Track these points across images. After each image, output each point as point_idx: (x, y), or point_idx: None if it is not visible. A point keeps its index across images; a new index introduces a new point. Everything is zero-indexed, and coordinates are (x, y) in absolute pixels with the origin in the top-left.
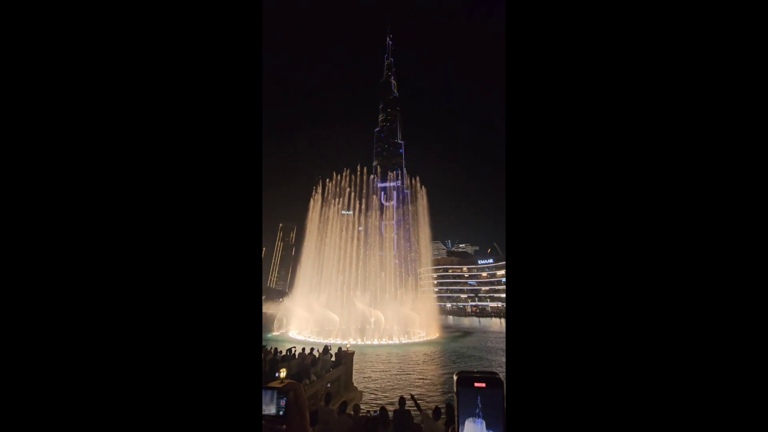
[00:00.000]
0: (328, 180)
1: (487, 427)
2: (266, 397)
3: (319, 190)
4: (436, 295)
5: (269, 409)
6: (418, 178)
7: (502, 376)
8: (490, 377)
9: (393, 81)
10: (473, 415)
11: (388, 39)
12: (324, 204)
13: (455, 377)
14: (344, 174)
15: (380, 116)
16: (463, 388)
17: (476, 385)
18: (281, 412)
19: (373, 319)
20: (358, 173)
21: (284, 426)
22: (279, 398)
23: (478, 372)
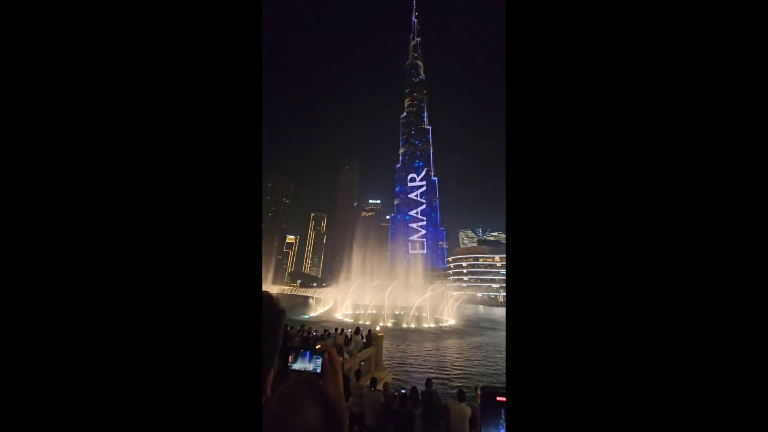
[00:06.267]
0: (355, 169)
1: None
2: (305, 358)
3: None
4: (466, 285)
5: (308, 367)
6: (446, 164)
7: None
8: None
9: (419, 63)
10: (496, 427)
11: (413, 18)
12: (352, 193)
13: (478, 392)
14: (371, 162)
15: (406, 101)
16: (486, 401)
17: (498, 399)
18: (318, 370)
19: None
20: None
21: (321, 381)
22: (315, 358)
23: (502, 387)
